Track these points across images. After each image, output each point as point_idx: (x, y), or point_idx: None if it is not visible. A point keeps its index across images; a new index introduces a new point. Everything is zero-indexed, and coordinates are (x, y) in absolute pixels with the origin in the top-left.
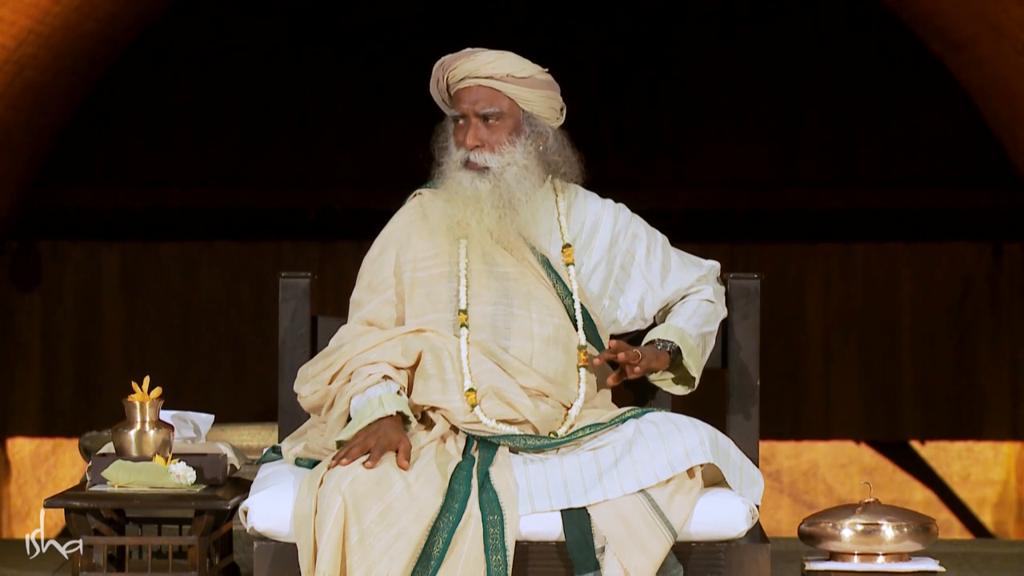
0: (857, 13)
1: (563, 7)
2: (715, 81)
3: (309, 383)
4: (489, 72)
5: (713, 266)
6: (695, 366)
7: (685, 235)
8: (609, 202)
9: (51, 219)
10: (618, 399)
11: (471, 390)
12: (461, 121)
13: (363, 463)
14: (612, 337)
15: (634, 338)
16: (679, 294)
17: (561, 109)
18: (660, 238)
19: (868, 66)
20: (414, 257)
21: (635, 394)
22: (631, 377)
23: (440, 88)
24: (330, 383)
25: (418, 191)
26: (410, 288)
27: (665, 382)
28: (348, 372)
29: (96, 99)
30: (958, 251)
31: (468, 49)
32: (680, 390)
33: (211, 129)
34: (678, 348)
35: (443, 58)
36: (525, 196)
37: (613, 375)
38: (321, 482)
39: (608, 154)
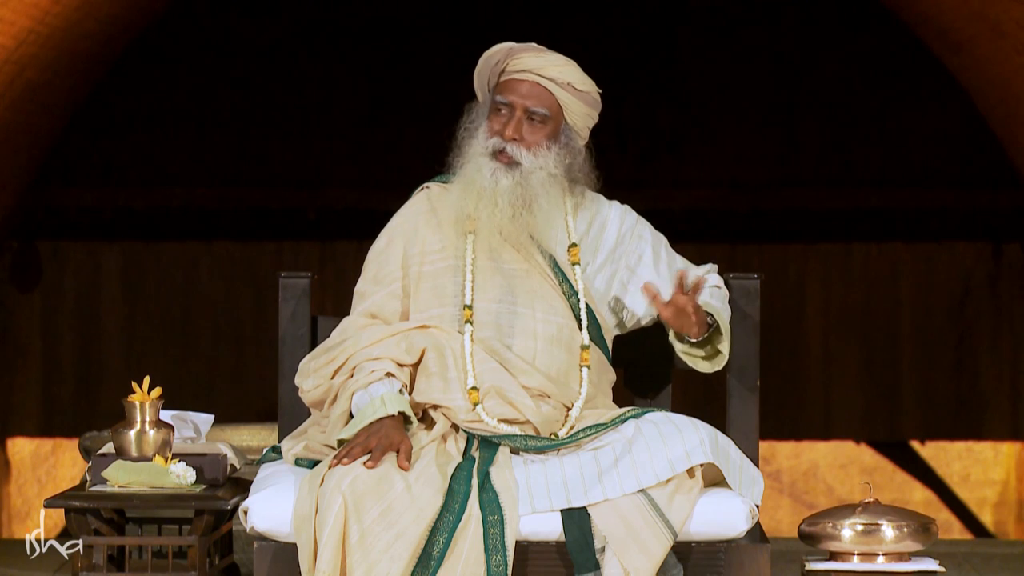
0: (857, 13)
1: (563, 7)
2: (715, 81)
3: (311, 377)
4: (553, 75)
5: (712, 267)
6: (727, 342)
7: (685, 235)
8: (616, 203)
9: (51, 219)
10: (618, 399)
11: (474, 388)
12: (503, 110)
13: (364, 463)
14: (616, 339)
15: (637, 337)
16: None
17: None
18: (664, 240)
19: (868, 66)
20: (421, 250)
21: (635, 394)
22: (682, 303)
23: (493, 71)
24: (332, 378)
25: (425, 185)
26: (416, 282)
27: (695, 359)
28: (351, 367)
29: (96, 99)
30: (958, 251)
31: (537, 45)
32: (706, 367)
33: (211, 129)
34: (716, 323)
35: (511, 44)
36: (545, 203)
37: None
38: (322, 481)
39: (608, 154)
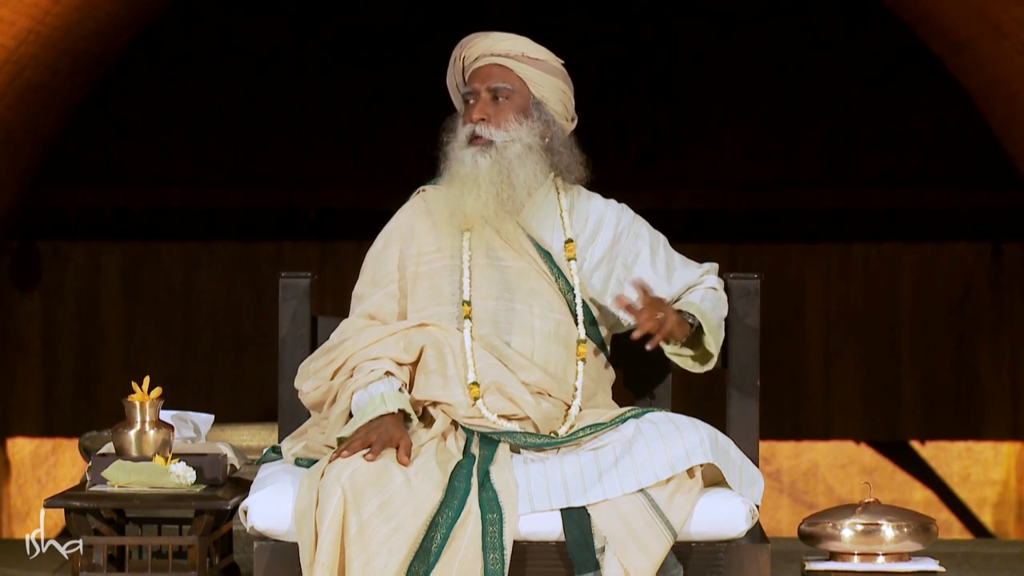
0: (857, 13)
1: (563, 7)
2: (715, 81)
3: (311, 379)
4: (504, 50)
5: (713, 265)
6: (714, 341)
7: (685, 235)
8: (612, 202)
9: (51, 219)
10: (618, 399)
11: (474, 383)
12: (472, 100)
13: (363, 456)
14: (616, 338)
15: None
16: (684, 288)
17: (572, 118)
18: (662, 238)
19: (868, 66)
20: (418, 251)
21: (635, 394)
22: (652, 328)
23: (456, 70)
24: (332, 379)
25: (422, 188)
26: (413, 282)
27: (684, 359)
28: (350, 368)
29: (96, 99)
30: (958, 251)
31: (484, 31)
32: (696, 368)
33: (211, 129)
34: (699, 322)
35: (462, 40)
36: (524, 175)
37: (639, 331)
38: (322, 475)
39: (608, 154)
